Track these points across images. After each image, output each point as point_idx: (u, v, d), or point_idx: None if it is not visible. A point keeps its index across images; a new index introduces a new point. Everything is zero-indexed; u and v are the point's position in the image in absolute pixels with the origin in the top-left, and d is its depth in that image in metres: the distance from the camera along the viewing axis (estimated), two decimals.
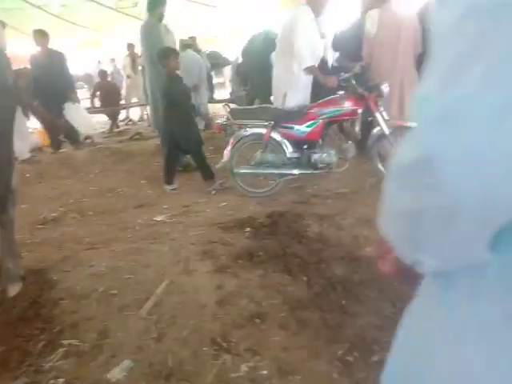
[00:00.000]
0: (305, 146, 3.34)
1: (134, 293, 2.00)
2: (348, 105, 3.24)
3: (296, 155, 3.31)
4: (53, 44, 5.73)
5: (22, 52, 6.48)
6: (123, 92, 9.20)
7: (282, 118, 3.30)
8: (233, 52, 9.47)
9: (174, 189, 3.88)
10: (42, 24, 6.04)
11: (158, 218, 3.19)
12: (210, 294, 1.95)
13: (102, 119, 8.59)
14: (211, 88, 8.50)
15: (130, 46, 8.54)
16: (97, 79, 9.07)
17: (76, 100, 5.73)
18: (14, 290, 2.03)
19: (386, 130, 3.21)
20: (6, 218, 2.08)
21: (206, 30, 9.61)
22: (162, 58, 3.67)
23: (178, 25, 6.37)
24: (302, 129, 3.27)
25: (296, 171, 3.32)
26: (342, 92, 3.35)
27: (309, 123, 3.26)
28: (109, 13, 7.53)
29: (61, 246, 2.74)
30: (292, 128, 3.29)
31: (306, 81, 3.67)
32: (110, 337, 1.72)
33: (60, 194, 4.13)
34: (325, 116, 3.26)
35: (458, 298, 0.45)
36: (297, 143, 3.34)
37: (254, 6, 7.98)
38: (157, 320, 1.80)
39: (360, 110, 3.22)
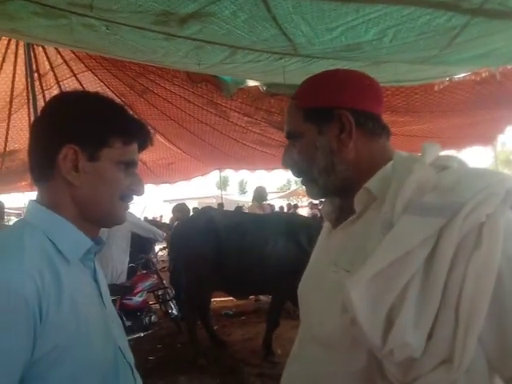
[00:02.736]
0: (138, 313, 3.99)
1: None
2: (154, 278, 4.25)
3: (130, 323, 3.88)
4: None
5: None
6: None
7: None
8: None
9: None
10: None
11: None
12: None
13: None
14: None
15: None
16: None
17: None
18: None
19: None
20: None
21: None
22: None
23: None
24: (137, 299, 3.98)
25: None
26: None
27: (139, 294, 4.00)
28: None
29: None
30: (131, 299, 3.92)
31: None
32: None
33: None
34: (146, 288, 4.12)
35: None
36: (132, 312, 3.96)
37: None
38: None
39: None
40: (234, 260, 3.43)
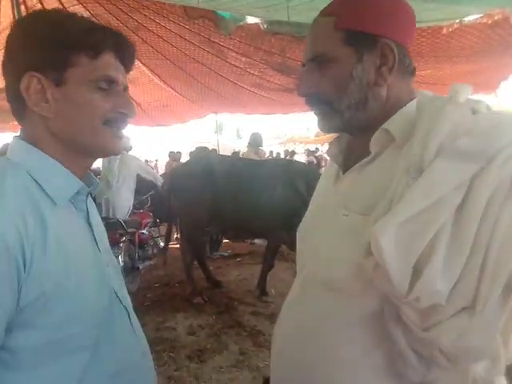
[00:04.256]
0: (145, 245, 4.42)
1: None
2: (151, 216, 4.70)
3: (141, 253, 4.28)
4: None
5: None
6: None
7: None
8: None
9: None
10: None
11: None
12: None
13: None
14: None
15: None
16: None
17: None
18: None
19: None
20: None
21: None
22: None
23: None
24: (145, 232, 4.47)
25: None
26: None
27: (146, 228, 4.49)
28: None
29: None
30: (142, 233, 4.34)
31: None
32: None
33: None
34: (149, 224, 4.58)
35: None
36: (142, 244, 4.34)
37: None
38: None
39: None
40: (231, 204, 3.47)
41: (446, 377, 0.63)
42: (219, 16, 3.10)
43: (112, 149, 0.74)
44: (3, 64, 0.70)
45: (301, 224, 0.91)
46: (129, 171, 4.26)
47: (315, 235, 0.81)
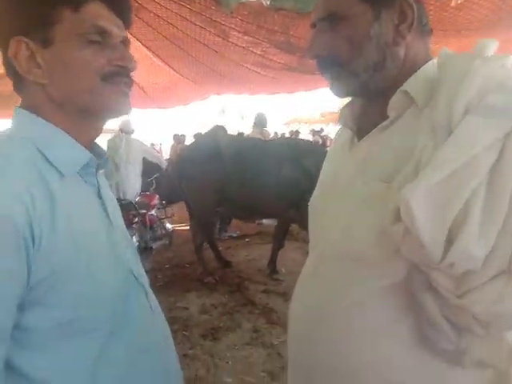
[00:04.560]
0: (154, 225, 4.56)
1: None
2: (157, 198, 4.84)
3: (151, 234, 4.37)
4: None
5: None
6: None
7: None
8: None
9: None
10: None
11: None
12: None
13: None
14: None
15: None
16: None
17: None
18: None
19: None
20: None
21: None
22: None
23: None
24: (154, 213, 4.66)
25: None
26: None
27: (154, 210, 4.68)
28: None
29: None
30: (151, 214, 4.53)
31: None
32: None
33: None
34: (157, 205, 4.79)
35: None
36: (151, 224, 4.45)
37: None
38: None
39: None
40: (240, 184, 3.48)
41: (480, 344, 0.62)
42: None
43: (116, 106, 0.69)
44: None
45: (313, 196, 0.89)
46: (135, 154, 4.35)
47: (331, 206, 0.78)
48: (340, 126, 0.91)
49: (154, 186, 5.03)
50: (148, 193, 4.83)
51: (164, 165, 5.06)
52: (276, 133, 12.58)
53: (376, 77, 0.70)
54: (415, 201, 0.54)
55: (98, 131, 0.75)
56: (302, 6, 3.16)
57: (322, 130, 13.44)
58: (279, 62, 5.25)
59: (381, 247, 0.64)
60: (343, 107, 0.84)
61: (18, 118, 0.68)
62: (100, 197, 0.73)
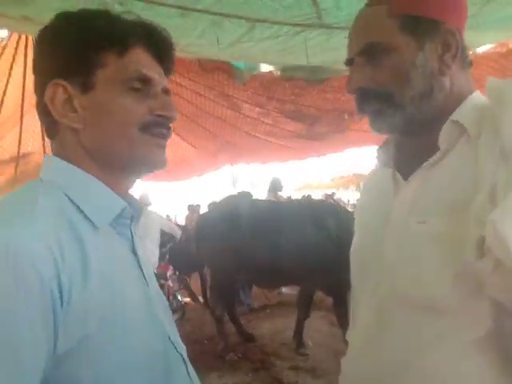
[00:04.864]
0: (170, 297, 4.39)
1: None
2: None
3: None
4: None
5: None
6: None
7: None
8: None
9: None
10: None
11: None
12: None
13: None
14: None
15: None
16: None
17: None
18: None
19: None
20: None
21: None
22: None
23: None
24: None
25: None
26: None
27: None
28: None
29: None
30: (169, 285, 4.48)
31: None
32: None
33: None
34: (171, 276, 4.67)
35: None
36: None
37: None
38: None
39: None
40: (261, 250, 3.35)
41: None
42: (234, 67, 3.19)
43: (154, 160, 0.63)
44: (34, 82, 0.63)
45: (356, 245, 0.82)
46: (153, 226, 4.33)
47: (387, 252, 0.71)
48: (372, 170, 0.88)
49: (167, 257, 4.96)
50: (162, 263, 4.72)
51: (178, 235, 5.01)
52: (289, 197, 12.66)
53: (423, 108, 0.67)
54: (508, 227, 0.48)
55: (130, 185, 0.68)
56: (311, 74, 3.29)
57: (333, 193, 13.51)
58: (289, 130, 5.41)
59: (458, 290, 0.57)
60: (379, 148, 0.81)
61: (48, 165, 0.62)
62: (135, 252, 0.66)
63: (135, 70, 0.60)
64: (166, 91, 0.65)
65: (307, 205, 3.95)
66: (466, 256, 0.54)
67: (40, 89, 0.61)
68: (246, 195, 4.34)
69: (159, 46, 0.63)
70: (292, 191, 18.11)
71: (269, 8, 1.49)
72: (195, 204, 8.81)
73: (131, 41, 0.60)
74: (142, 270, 0.65)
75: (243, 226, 3.42)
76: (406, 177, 0.71)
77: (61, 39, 0.60)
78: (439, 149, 0.66)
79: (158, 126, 0.62)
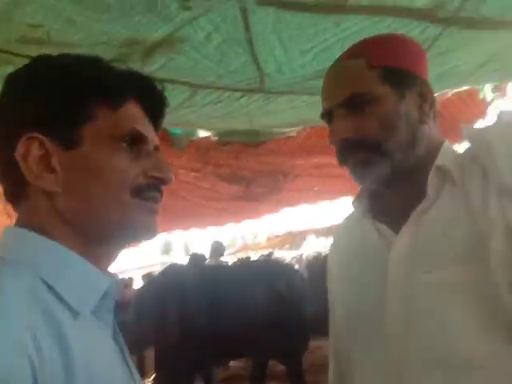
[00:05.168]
0: None
1: None
2: None
3: None
4: None
5: None
6: None
7: None
8: None
9: None
10: None
11: None
12: None
13: None
14: None
15: None
16: None
17: None
18: None
19: None
20: None
21: None
22: None
23: None
24: None
25: None
26: None
27: None
28: None
29: None
30: None
31: None
32: None
33: None
34: None
35: None
36: None
37: None
38: None
39: None
40: (207, 320, 3.11)
41: None
42: (171, 133, 3.18)
43: (147, 228, 0.55)
44: None
45: (346, 309, 0.75)
46: None
47: (395, 310, 0.65)
48: (342, 223, 0.86)
49: None
50: None
51: None
52: (227, 262, 12.40)
53: (409, 156, 0.68)
54: None
55: (113, 260, 0.57)
56: (247, 138, 3.38)
57: (271, 253, 13.52)
58: (226, 193, 5.44)
59: (490, 341, 0.54)
60: (354, 201, 0.79)
61: (12, 239, 0.50)
62: (118, 341, 0.55)
63: (129, 126, 0.53)
64: (156, 148, 0.58)
65: (250, 267, 3.84)
66: (501, 301, 0.53)
67: (6, 141, 0.50)
68: (199, 258, 4.09)
69: (154, 101, 0.58)
70: (229, 255, 17.89)
71: (214, 74, 1.51)
72: (127, 277, 8.23)
73: (126, 93, 0.54)
74: (127, 363, 0.54)
75: (182, 296, 3.18)
76: (393, 228, 0.69)
77: (41, 84, 0.51)
78: (424, 197, 0.66)
79: (151, 189, 0.55)
